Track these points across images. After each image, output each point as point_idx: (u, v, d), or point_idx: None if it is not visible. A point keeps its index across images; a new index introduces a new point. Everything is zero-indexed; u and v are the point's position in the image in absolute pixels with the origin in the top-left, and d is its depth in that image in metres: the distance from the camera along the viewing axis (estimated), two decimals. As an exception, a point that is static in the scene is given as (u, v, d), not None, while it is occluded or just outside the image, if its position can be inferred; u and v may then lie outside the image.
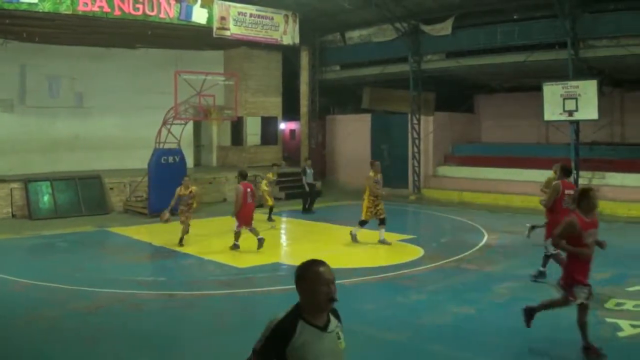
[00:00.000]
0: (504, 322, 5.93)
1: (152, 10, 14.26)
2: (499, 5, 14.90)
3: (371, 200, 9.95)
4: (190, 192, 9.92)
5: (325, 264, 2.28)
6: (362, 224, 10.11)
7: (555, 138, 16.30)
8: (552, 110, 14.06)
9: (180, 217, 10.00)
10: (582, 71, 13.96)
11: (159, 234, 10.77)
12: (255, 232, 9.49)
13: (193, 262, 8.73)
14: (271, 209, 12.79)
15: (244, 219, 9.35)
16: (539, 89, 14.36)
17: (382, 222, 9.95)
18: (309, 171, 14.47)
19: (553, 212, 6.98)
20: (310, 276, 2.23)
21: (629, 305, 6.51)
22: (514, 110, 18.20)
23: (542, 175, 14.43)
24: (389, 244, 9.91)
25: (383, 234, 10.01)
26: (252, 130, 19.26)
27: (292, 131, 22.83)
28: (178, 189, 9.93)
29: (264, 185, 13.00)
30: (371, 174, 10.12)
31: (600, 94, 13.60)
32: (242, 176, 9.77)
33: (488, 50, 15.60)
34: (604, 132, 15.52)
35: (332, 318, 2.31)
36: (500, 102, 19.10)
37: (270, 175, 13.24)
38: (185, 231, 9.89)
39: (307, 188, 14.05)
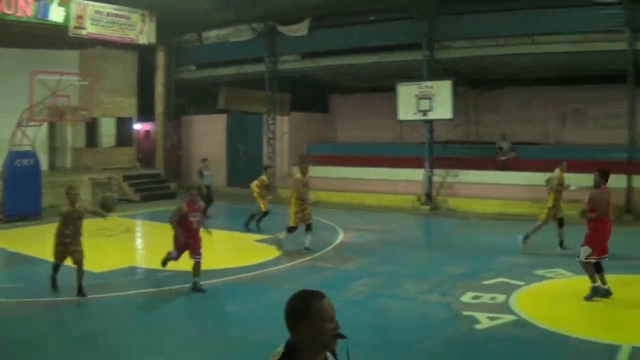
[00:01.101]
0: (361, 319, 6.06)
1: (10, 9, 13.71)
2: (356, 7, 15.27)
3: (299, 204, 9.45)
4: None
5: (324, 295, 2.02)
6: (291, 230, 9.54)
7: (410, 137, 17.16)
8: (407, 110, 14.77)
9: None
10: (438, 72, 14.71)
11: (14, 239, 10.56)
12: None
13: (49, 268, 7.66)
14: (264, 214, 11.65)
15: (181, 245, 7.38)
16: (395, 89, 14.89)
17: (308, 227, 9.54)
18: (206, 173, 14.00)
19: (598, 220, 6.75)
20: (314, 313, 1.97)
21: (485, 298, 6.77)
22: (370, 110, 18.87)
23: (397, 174, 15.64)
24: (310, 250, 9.51)
25: (309, 240, 9.56)
26: (107, 131, 18.91)
27: (147, 132, 21.94)
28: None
29: (254, 187, 11.84)
30: (299, 175, 9.60)
31: (456, 94, 14.48)
32: (189, 192, 7.64)
33: (344, 51, 16.04)
34: (459, 131, 16.53)
35: (329, 355, 2.07)
36: (356, 102, 19.77)
37: (264, 177, 12.05)
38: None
39: (204, 190, 13.34)
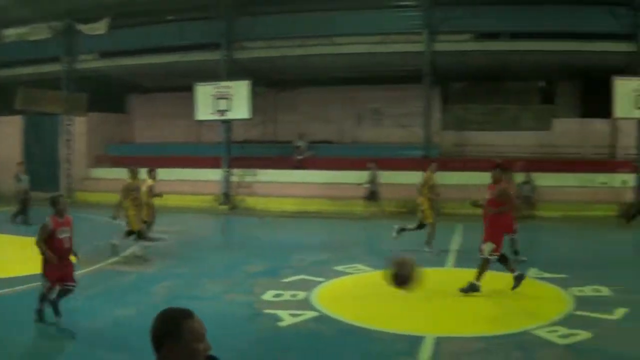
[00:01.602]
0: None
1: None
2: (156, 6, 15.09)
3: (134, 208, 9.20)
4: None
5: (193, 313, 1.88)
6: (130, 234, 9.20)
7: (208, 137, 17.01)
8: (205, 110, 14.76)
9: None
10: (236, 72, 14.72)
11: None
12: None
13: None
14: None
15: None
16: (193, 89, 14.87)
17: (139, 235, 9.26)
18: (23, 177, 13.28)
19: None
20: (185, 334, 1.84)
21: (287, 295, 6.81)
22: (168, 110, 18.58)
23: (196, 174, 15.71)
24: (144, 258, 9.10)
25: (139, 246, 9.25)
26: None
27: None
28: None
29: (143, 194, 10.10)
30: (130, 180, 9.34)
31: (254, 94, 14.53)
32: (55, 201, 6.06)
33: (144, 50, 15.89)
34: (257, 131, 16.75)
35: None
36: (154, 102, 19.33)
37: (150, 181, 10.21)
38: None
39: (22, 196, 12.83)
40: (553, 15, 14.13)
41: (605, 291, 7.26)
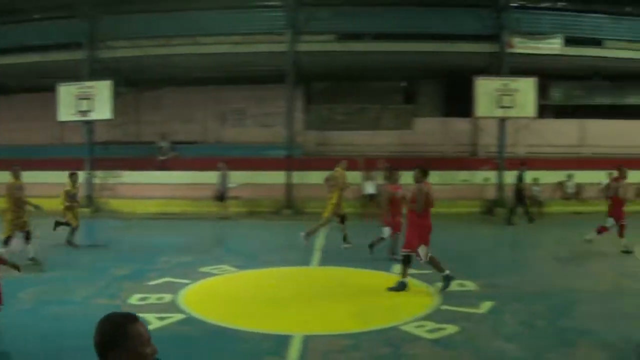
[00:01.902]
0: (33, 328, 6.40)
1: None
2: (18, 5, 15.99)
3: (14, 211, 9.63)
4: None
5: (138, 317, 2.05)
6: (7, 241, 9.56)
7: (71, 138, 18.12)
8: (67, 111, 15.92)
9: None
10: (100, 72, 15.96)
11: None
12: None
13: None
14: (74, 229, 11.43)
15: None
16: (55, 89, 15.82)
17: (27, 236, 9.76)
18: None
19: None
20: (132, 339, 1.98)
21: (153, 298, 7.37)
22: (29, 112, 19.28)
23: (59, 176, 15.81)
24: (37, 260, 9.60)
25: (31, 249, 9.70)
26: None
27: None
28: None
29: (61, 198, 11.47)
30: (13, 180, 9.76)
31: (116, 94, 15.90)
32: None
33: (4, 50, 16.45)
34: (120, 132, 17.95)
35: None
36: (13, 103, 19.97)
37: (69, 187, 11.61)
38: None
39: None
40: (416, 16, 16.69)
41: (471, 286, 8.38)
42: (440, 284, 7.97)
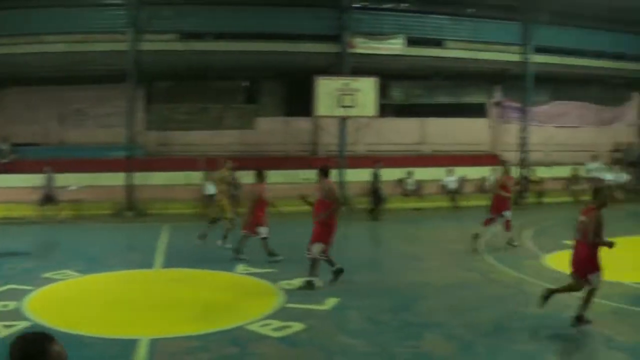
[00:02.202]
0: None
1: None
2: None
3: None
4: None
5: (54, 337, 2.23)
6: None
7: None
8: None
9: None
10: None
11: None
12: None
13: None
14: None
15: None
16: None
17: None
18: None
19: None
20: (52, 358, 2.16)
21: None
22: None
23: None
24: None
25: None
26: None
27: None
28: None
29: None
30: None
31: None
32: None
33: None
34: None
35: None
36: None
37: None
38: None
39: None
40: (259, 16, 19.28)
41: (316, 282, 9.58)
42: (283, 282, 9.65)
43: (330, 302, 8.75)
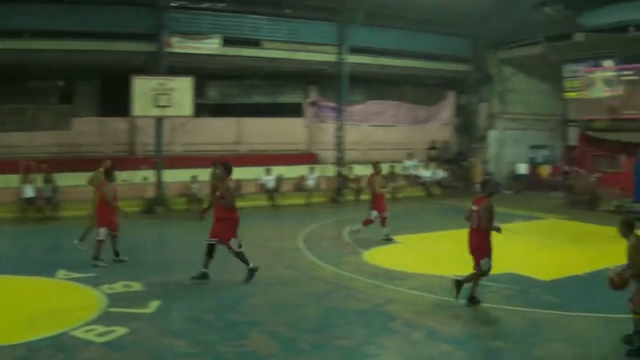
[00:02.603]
0: None
1: None
2: None
3: None
4: None
5: None
6: None
7: None
8: None
9: None
10: None
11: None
12: None
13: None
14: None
15: None
16: None
17: None
18: None
19: None
20: None
21: None
22: None
23: None
24: None
25: None
26: None
27: None
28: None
29: None
30: None
31: None
32: None
33: None
34: None
35: None
36: None
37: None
38: None
39: None
40: (75, 14, 22.16)
41: (136, 286, 11.24)
42: (105, 286, 11.30)
43: (154, 305, 10.34)
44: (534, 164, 33.47)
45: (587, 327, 10.20)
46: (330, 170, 27.63)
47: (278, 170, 26.36)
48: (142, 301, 10.63)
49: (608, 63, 27.95)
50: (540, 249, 16.71)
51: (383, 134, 31.40)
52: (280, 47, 26.15)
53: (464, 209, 11.62)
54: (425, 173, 30.70)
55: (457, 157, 33.46)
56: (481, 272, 10.85)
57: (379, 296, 11.56)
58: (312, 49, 26.87)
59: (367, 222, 17.43)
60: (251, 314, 10.47)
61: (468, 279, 10.95)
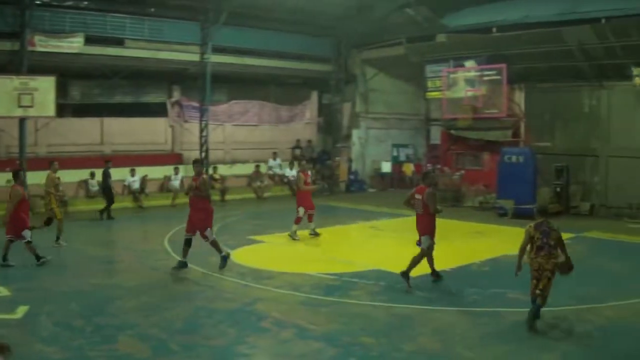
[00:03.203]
0: None
1: None
2: None
3: None
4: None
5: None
6: None
7: None
8: None
9: None
10: None
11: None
12: None
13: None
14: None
15: None
16: None
17: None
18: None
19: None
20: None
21: None
22: None
23: None
24: None
25: None
26: None
27: None
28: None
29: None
30: None
31: None
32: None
33: None
34: None
35: None
36: None
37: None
38: None
39: None
40: None
41: (4, 291, 12.19)
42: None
43: (21, 310, 11.20)
44: (397, 163, 38.60)
45: (453, 321, 11.80)
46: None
47: (143, 171, 29.52)
48: (9, 307, 11.68)
49: (470, 63, 31.89)
50: (406, 246, 17.68)
51: (247, 134, 35.59)
52: (144, 46, 29.35)
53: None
54: (290, 172, 34.51)
55: (321, 156, 37.91)
56: (423, 250, 14.13)
57: (248, 295, 12.93)
58: (176, 49, 30.28)
59: (298, 220, 20.52)
60: (120, 317, 11.55)
61: (413, 263, 14.09)
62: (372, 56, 36.73)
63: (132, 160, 29.80)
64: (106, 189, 25.83)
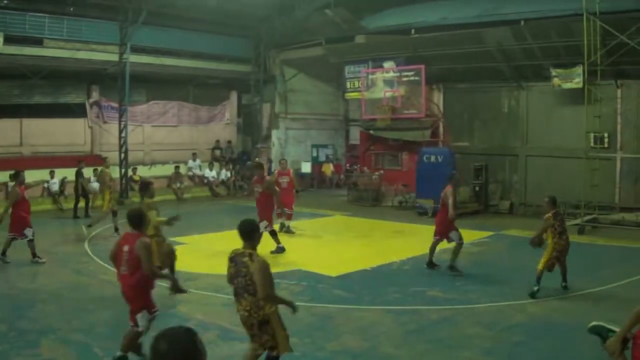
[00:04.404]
0: None
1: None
2: None
3: None
4: None
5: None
6: None
7: None
8: None
9: None
10: None
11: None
12: None
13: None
14: None
15: None
16: None
17: None
18: None
19: None
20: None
21: None
22: None
23: None
24: None
25: None
26: None
27: None
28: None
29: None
30: None
31: None
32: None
33: None
34: None
35: None
36: None
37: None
38: None
39: None
40: None
41: None
42: None
43: None
44: (317, 163, 40.34)
45: (376, 320, 12.40)
46: (115, 172, 32.08)
47: (62, 172, 30.28)
48: None
49: (389, 64, 33.56)
50: (326, 246, 20.09)
51: (166, 135, 36.93)
52: (63, 46, 30.26)
53: (254, 207, 17.63)
54: (210, 173, 36.17)
55: (241, 157, 39.47)
56: (459, 244, 16.65)
57: (170, 298, 12.77)
58: (95, 48, 31.33)
59: (288, 216, 22.47)
60: (43, 321, 11.77)
61: (454, 255, 16.66)
62: (291, 57, 38.25)
63: (52, 161, 30.57)
64: (81, 188, 27.90)
